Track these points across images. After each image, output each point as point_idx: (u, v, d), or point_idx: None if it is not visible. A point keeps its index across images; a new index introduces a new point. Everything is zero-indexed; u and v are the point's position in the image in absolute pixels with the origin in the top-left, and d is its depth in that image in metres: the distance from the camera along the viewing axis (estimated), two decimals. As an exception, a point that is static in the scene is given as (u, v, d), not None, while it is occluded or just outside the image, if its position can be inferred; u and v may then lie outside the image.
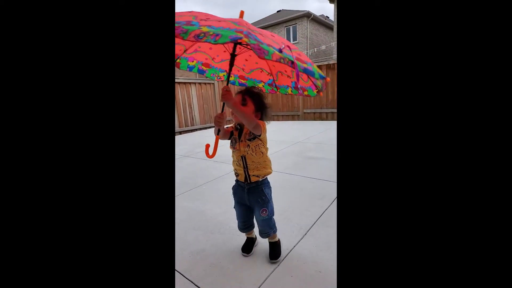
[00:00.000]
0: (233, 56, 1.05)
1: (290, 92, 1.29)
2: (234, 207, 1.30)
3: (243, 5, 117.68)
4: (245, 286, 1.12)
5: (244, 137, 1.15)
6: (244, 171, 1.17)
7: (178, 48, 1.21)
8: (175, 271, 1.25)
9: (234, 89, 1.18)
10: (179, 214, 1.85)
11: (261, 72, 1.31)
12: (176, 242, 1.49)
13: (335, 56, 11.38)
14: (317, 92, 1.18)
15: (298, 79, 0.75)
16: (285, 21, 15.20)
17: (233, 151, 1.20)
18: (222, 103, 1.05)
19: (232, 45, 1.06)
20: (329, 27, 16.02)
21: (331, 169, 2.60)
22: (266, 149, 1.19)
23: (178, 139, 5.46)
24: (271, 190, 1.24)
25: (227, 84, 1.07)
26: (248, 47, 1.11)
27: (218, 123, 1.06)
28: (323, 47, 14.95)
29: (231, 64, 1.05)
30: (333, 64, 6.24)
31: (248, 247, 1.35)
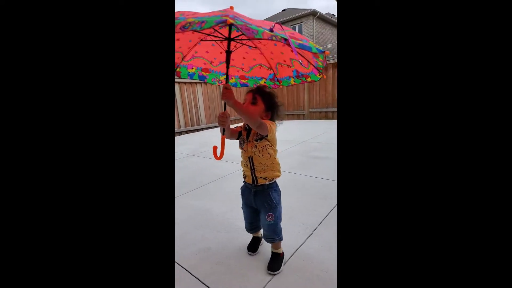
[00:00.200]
0: (228, 52, 1.03)
1: (293, 82, 1.24)
2: (242, 207, 1.29)
3: (243, 5, 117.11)
4: (251, 285, 1.12)
5: (252, 138, 1.12)
6: (251, 173, 1.14)
7: (176, 56, 1.20)
8: (182, 268, 1.26)
9: (242, 89, 1.17)
10: (185, 212, 1.87)
11: (260, 68, 1.28)
12: (182, 240, 1.51)
13: (341, 54, 11.19)
14: (320, 75, 1.16)
15: (296, 55, 0.74)
16: (290, 19, 15.11)
17: (241, 152, 1.17)
18: (223, 102, 1.03)
19: (226, 42, 1.04)
20: (335, 25, 15.86)
21: (337, 168, 2.58)
22: (275, 150, 1.14)
23: (184, 138, 5.51)
24: (279, 195, 1.18)
25: (227, 82, 1.05)
26: (243, 41, 1.11)
27: (221, 122, 1.04)
28: (329, 45, 14.81)
29: (228, 61, 1.03)
30: (340, 62, 6.16)
31: (254, 246, 1.35)
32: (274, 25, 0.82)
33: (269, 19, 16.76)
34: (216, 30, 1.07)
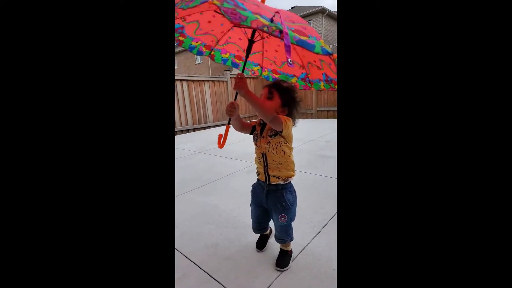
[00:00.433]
0: (251, 42, 0.99)
1: (322, 87, 1.14)
2: (250, 206, 1.25)
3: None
4: (259, 280, 1.13)
5: (266, 133, 1.07)
6: (264, 170, 1.09)
7: (210, 39, 1.18)
8: (192, 263, 1.28)
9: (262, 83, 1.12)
10: (193, 208, 1.89)
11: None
12: (191, 235, 1.53)
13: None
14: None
15: (287, 52, 0.64)
16: (310, 14, 14.96)
17: (255, 148, 1.13)
18: (235, 92, 0.97)
19: (251, 31, 1.01)
20: (344, 23, 15.59)
21: (345, 167, 2.56)
22: (290, 148, 1.08)
23: (192, 136, 5.57)
24: (294, 196, 1.13)
25: (242, 71, 1.00)
26: (265, 34, 1.05)
27: (229, 111, 1.01)
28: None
29: (248, 51, 1.00)
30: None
31: (262, 243, 1.34)
32: (277, 14, 0.73)
33: (277, 17, 16.61)
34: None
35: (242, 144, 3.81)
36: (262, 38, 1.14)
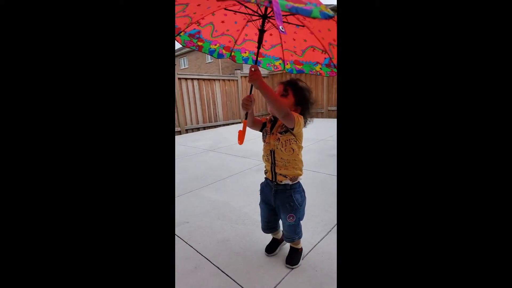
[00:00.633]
0: (261, 31, 0.97)
1: None
2: (259, 204, 1.24)
3: None
4: (269, 276, 1.14)
5: (276, 130, 1.05)
6: (271, 168, 1.07)
7: (228, 40, 1.18)
8: (203, 257, 1.31)
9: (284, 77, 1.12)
10: (204, 205, 1.92)
11: (313, 51, 1.15)
12: (202, 231, 1.56)
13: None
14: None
15: (278, 20, 0.60)
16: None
17: (263, 145, 1.11)
18: (250, 85, 0.95)
19: (260, 21, 0.99)
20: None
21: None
22: (299, 147, 1.06)
23: (203, 134, 5.64)
24: (302, 196, 1.11)
25: (256, 63, 0.99)
26: (285, 18, 1.02)
27: (245, 105, 0.99)
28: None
29: (260, 41, 0.99)
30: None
31: (272, 248, 1.29)
32: None
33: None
34: (252, 9, 1.02)
35: (252, 142, 3.82)
36: (276, 26, 1.09)
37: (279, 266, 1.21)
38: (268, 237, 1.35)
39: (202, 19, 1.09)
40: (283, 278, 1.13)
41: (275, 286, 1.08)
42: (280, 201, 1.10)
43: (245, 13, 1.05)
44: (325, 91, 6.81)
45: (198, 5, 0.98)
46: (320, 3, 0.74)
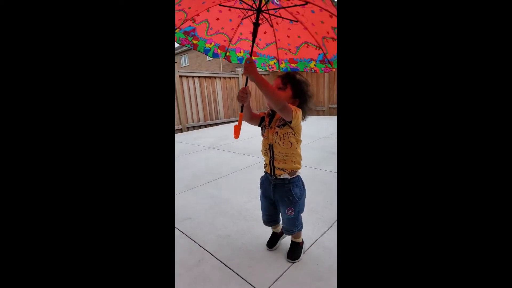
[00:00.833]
0: (256, 25, 0.98)
1: None
2: (260, 198, 1.26)
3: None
4: (271, 270, 1.17)
5: (274, 124, 1.06)
6: (270, 162, 1.08)
7: (223, 39, 1.17)
8: (206, 251, 1.33)
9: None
10: (205, 201, 1.95)
11: (307, 47, 1.15)
12: (204, 226, 1.59)
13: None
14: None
15: None
16: None
17: (262, 140, 1.12)
18: (245, 77, 0.95)
19: (254, 15, 0.99)
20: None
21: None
22: (298, 140, 1.06)
23: (203, 131, 5.66)
24: (301, 189, 1.12)
25: (251, 56, 0.99)
26: (276, 13, 1.03)
27: (240, 98, 0.99)
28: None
29: (254, 35, 0.99)
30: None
31: (272, 242, 1.31)
32: None
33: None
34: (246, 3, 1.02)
35: (253, 140, 3.84)
36: (270, 24, 1.10)
37: (281, 260, 1.23)
38: (269, 232, 1.37)
39: (197, 15, 1.08)
40: (285, 272, 1.15)
41: (277, 279, 1.11)
42: (279, 195, 1.11)
43: (239, 8, 1.05)
44: (326, 89, 6.80)
45: None
46: None
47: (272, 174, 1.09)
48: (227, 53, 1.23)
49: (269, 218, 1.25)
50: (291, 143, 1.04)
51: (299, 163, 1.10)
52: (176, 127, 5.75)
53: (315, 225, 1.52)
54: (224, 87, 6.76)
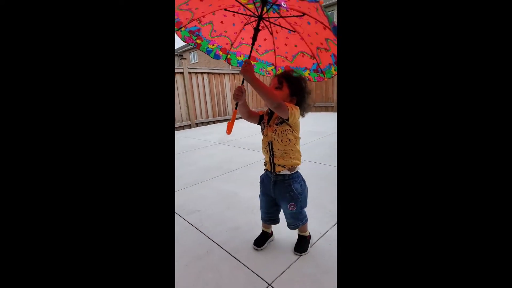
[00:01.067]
0: (256, 30, 1.02)
1: (334, 71, 1.12)
2: (259, 196, 1.27)
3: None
4: (278, 261, 1.18)
5: (273, 122, 1.08)
6: (270, 159, 1.10)
7: (225, 42, 1.22)
8: (214, 243, 1.36)
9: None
10: (215, 195, 1.98)
11: (303, 56, 1.21)
12: (212, 219, 1.62)
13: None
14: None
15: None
16: (330, 4, 14.46)
17: (262, 138, 1.14)
18: (241, 77, 0.99)
19: (255, 22, 1.04)
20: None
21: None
22: (296, 137, 1.07)
23: (212, 127, 5.71)
24: (302, 185, 1.13)
25: (249, 58, 1.03)
26: (277, 21, 1.08)
27: (236, 95, 1.02)
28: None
29: (254, 39, 1.03)
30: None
31: (260, 241, 1.29)
32: None
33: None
34: (249, 10, 1.06)
35: (261, 136, 3.85)
36: (270, 31, 1.15)
37: (288, 252, 1.24)
38: (275, 226, 1.38)
39: (203, 17, 1.12)
40: (292, 264, 1.16)
41: (284, 271, 1.12)
42: (280, 191, 1.12)
43: (243, 14, 1.10)
44: (335, 85, 6.69)
45: (201, 0, 1.02)
46: None
47: (273, 171, 1.11)
48: (228, 56, 1.27)
49: (268, 216, 1.26)
50: (290, 140, 1.06)
51: (299, 159, 1.11)
52: (185, 123, 5.83)
53: (322, 219, 1.52)
54: (232, 84, 6.78)
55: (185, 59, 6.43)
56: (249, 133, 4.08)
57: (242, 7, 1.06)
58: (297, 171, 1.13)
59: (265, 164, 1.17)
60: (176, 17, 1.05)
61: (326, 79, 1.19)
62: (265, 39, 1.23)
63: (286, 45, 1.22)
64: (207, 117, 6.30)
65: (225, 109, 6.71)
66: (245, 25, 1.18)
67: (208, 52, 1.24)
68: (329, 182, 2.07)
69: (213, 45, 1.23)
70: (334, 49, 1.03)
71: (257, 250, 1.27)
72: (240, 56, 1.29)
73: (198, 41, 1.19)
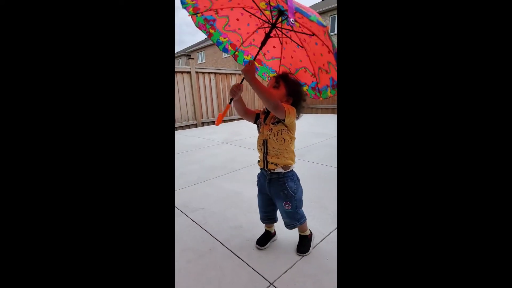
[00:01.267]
0: (267, 36, 1.05)
1: (329, 94, 1.17)
2: (257, 196, 1.27)
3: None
4: (280, 261, 1.18)
5: (269, 121, 1.10)
6: (263, 157, 1.12)
7: (236, 38, 1.24)
8: (216, 240, 1.37)
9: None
10: (218, 193, 1.99)
11: (305, 72, 1.25)
12: (216, 217, 1.63)
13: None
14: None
15: (290, 13, 0.73)
16: (330, 9, 14.41)
17: (258, 135, 1.16)
18: (242, 76, 1.02)
19: (268, 28, 1.07)
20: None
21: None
22: (292, 138, 1.10)
23: (218, 127, 5.74)
24: (296, 184, 1.15)
25: (254, 59, 1.07)
26: (288, 33, 1.12)
27: (233, 92, 1.05)
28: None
29: (263, 43, 1.06)
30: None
31: (263, 240, 1.29)
32: None
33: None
34: (266, 17, 1.10)
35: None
36: (280, 41, 1.18)
37: (290, 252, 1.24)
38: (277, 226, 1.38)
39: (221, 9, 1.14)
40: (294, 264, 1.16)
41: (287, 271, 1.12)
42: (275, 189, 1.14)
43: (258, 17, 1.12)
44: (342, 87, 6.65)
45: None
46: (318, 15, 0.85)
47: (266, 168, 1.13)
48: (236, 52, 1.30)
49: (266, 215, 1.27)
50: (284, 140, 1.08)
51: (292, 159, 1.13)
52: (191, 122, 5.88)
53: (326, 220, 1.51)
54: (239, 84, 6.80)
55: (193, 59, 6.49)
56: (253, 133, 4.08)
57: (259, 11, 1.09)
58: (292, 170, 1.15)
59: (258, 162, 1.19)
60: (195, 2, 1.08)
61: (321, 98, 1.24)
62: (274, 47, 1.25)
63: (292, 57, 1.26)
64: (213, 116, 6.34)
65: (231, 109, 6.73)
66: (258, 28, 1.20)
67: (218, 43, 1.27)
68: (333, 183, 2.05)
69: (225, 38, 1.25)
70: (333, 73, 1.06)
71: (259, 249, 1.28)
72: (248, 56, 1.32)
73: (211, 31, 1.21)
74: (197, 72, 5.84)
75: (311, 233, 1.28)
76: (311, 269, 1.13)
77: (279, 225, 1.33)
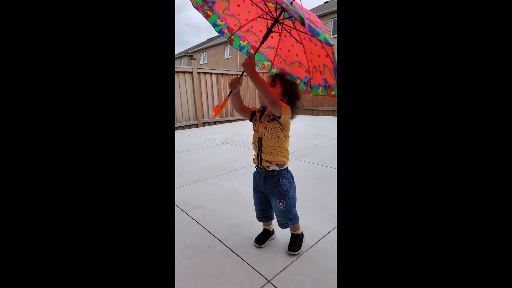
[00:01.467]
0: (269, 30, 1.06)
1: (320, 92, 1.19)
2: (253, 194, 1.28)
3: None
4: (279, 260, 1.19)
5: (264, 118, 1.13)
6: (258, 154, 1.15)
7: (234, 23, 1.23)
8: (215, 238, 1.38)
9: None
10: (218, 192, 2.00)
11: (299, 67, 1.26)
12: (215, 215, 1.64)
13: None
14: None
15: (309, 30, 0.74)
16: (332, 12, 14.47)
17: (253, 133, 1.18)
18: (242, 70, 1.04)
19: (271, 21, 1.08)
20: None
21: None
22: (286, 136, 1.12)
23: (218, 127, 5.76)
24: (290, 182, 1.17)
25: (254, 54, 1.09)
26: (289, 29, 1.12)
27: (232, 84, 1.09)
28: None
29: (264, 39, 1.07)
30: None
31: (262, 239, 1.30)
32: (295, 2, 0.81)
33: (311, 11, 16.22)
34: (271, 12, 1.11)
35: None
36: (279, 33, 1.19)
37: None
38: (275, 226, 1.39)
39: None
40: (292, 262, 1.17)
41: (284, 269, 1.13)
42: (269, 186, 1.16)
43: (261, 8, 1.12)
44: (343, 89, 6.66)
45: None
46: (326, 31, 0.86)
47: (260, 165, 1.16)
48: (232, 36, 1.29)
49: (262, 213, 1.28)
50: (279, 137, 1.10)
51: (286, 157, 1.15)
52: (192, 122, 5.89)
53: (325, 221, 1.51)
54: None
55: (195, 59, 6.51)
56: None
57: (262, 1, 1.09)
58: (286, 168, 1.17)
59: (253, 160, 1.21)
60: None
61: (311, 94, 1.26)
62: (272, 37, 1.25)
63: (289, 51, 1.27)
64: (214, 117, 6.35)
65: (232, 110, 6.75)
66: (259, 17, 1.20)
67: (215, 25, 1.27)
68: (333, 184, 2.06)
69: (222, 21, 1.25)
70: (327, 76, 1.08)
71: (258, 247, 1.28)
72: (244, 41, 1.31)
73: (209, 13, 1.20)
74: (198, 73, 5.86)
75: (302, 233, 1.29)
76: (309, 268, 1.13)
77: (277, 224, 1.33)
